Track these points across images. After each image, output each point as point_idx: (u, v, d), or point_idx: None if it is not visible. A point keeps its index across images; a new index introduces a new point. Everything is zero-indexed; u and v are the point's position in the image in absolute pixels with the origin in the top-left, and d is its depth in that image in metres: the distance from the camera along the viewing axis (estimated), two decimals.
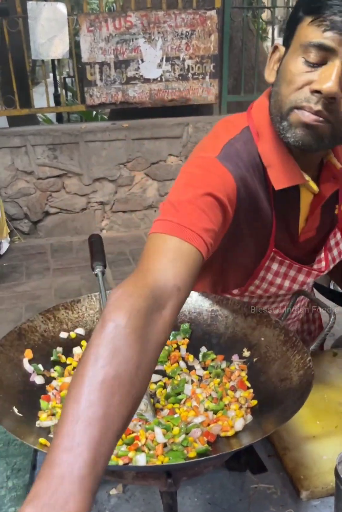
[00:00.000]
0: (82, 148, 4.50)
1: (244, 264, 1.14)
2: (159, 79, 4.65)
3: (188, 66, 4.68)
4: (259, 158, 1.01)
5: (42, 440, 0.83)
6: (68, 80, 8.88)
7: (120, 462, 0.82)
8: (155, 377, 1.12)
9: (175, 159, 4.81)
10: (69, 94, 8.32)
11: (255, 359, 1.11)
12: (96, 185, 4.65)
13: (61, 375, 1.06)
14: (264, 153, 1.00)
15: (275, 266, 1.14)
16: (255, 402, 1.01)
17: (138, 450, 0.85)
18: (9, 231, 4.43)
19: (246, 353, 1.13)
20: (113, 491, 1.02)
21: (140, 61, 4.58)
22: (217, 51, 4.66)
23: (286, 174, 0.99)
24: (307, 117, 0.90)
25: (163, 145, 4.73)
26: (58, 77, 6.59)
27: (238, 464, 1.08)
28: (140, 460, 0.81)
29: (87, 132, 4.52)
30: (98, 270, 1.23)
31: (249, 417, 0.97)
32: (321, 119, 0.90)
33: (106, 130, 4.58)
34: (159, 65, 4.64)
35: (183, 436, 0.90)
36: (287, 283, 1.19)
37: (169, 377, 1.12)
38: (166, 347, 1.17)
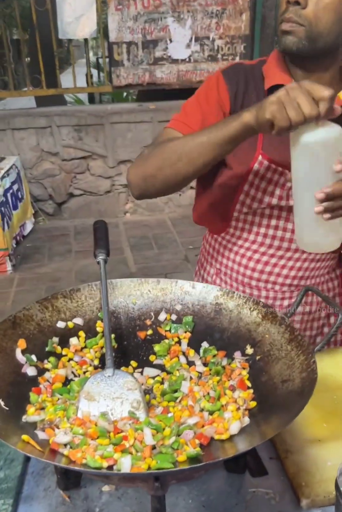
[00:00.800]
0: (108, 129, 4.46)
1: (237, 169, 1.20)
2: (187, 59, 4.54)
3: (218, 46, 4.56)
4: (261, 73, 1.19)
5: (25, 436, 0.81)
6: (101, 61, 8.82)
7: (105, 464, 0.78)
8: (153, 372, 1.09)
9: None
10: (102, 75, 8.29)
11: (257, 357, 1.06)
12: (121, 168, 4.62)
13: (55, 366, 1.03)
14: (266, 70, 1.18)
15: (262, 171, 1.17)
16: (254, 403, 0.96)
17: (125, 451, 0.82)
18: (33, 212, 4.46)
19: (249, 350, 1.08)
20: (105, 488, 0.99)
21: (168, 41, 4.48)
22: (248, 31, 4.51)
23: (276, 78, 1.15)
24: (284, 25, 1.09)
25: None
26: (89, 57, 6.53)
27: (237, 466, 1.03)
28: (125, 463, 0.77)
29: (113, 113, 4.48)
30: (100, 258, 1.19)
31: (246, 420, 0.92)
32: (294, 24, 1.07)
33: (132, 112, 4.52)
34: (188, 45, 4.53)
35: (174, 438, 0.86)
36: (278, 191, 1.17)
37: (168, 372, 1.08)
38: (166, 341, 1.13)
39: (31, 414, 0.89)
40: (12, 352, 0.99)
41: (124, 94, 7.34)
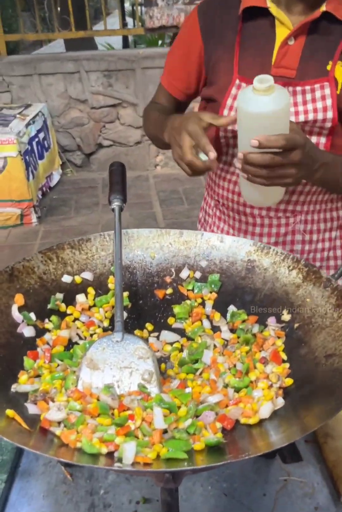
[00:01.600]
0: (139, 75, 4.22)
1: (216, 96, 1.17)
2: None
3: None
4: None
5: (9, 411, 0.67)
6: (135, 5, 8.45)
7: (104, 450, 0.64)
8: (172, 337, 0.93)
9: None
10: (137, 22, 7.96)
11: (296, 325, 0.89)
12: None
13: (58, 327, 0.89)
14: None
15: (234, 91, 1.14)
16: (290, 381, 0.80)
17: (129, 435, 0.67)
18: (61, 163, 4.32)
19: (286, 317, 0.91)
20: None
21: None
22: None
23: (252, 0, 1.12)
24: None
25: None
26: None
27: None
28: (128, 451, 0.63)
29: (144, 58, 4.22)
30: (116, 204, 1.03)
31: (280, 401, 0.76)
32: None
33: (164, 56, 4.21)
34: None
35: (190, 420, 0.71)
36: None
37: (189, 339, 0.92)
38: (188, 302, 0.97)
39: (22, 383, 0.76)
40: (7, 308, 0.86)
41: (159, 42, 7.02)
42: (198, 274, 1.01)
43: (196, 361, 0.85)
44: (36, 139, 3.79)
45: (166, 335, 0.94)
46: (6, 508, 0.81)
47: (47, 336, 0.87)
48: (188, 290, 1.00)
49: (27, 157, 3.57)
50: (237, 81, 1.13)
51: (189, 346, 0.89)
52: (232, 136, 1.15)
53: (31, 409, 0.71)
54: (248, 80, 1.08)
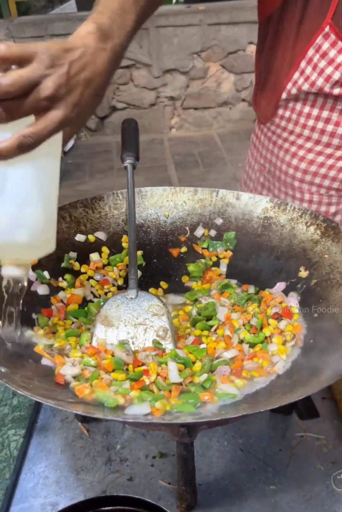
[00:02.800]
0: (153, 34, 4.11)
1: (296, 40, 0.97)
2: None
3: None
4: None
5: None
6: None
7: (122, 401, 0.64)
8: (178, 300, 0.92)
9: (255, 48, 4.28)
10: None
11: (313, 282, 0.87)
12: (167, 78, 4.30)
13: (72, 285, 0.88)
14: None
15: (326, 46, 0.93)
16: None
17: (144, 389, 0.67)
18: None
19: (303, 273, 0.89)
20: None
21: None
22: None
23: None
24: None
25: (243, 31, 4.20)
26: None
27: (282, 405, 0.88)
28: (142, 409, 0.62)
29: (158, 15, 4.10)
30: (128, 162, 1.00)
31: (296, 355, 0.75)
32: None
33: (179, 14, 4.13)
34: None
35: (205, 375, 0.70)
36: (337, 75, 0.94)
37: (195, 301, 0.91)
38: (202, 260, 0.95)
39: (41, 336, 0.76)
40: None
41: (174, 0, 6.80)
42: (213, 232, 0.99)
43: (209, 318, 0.84)
44: None
45: (172, 299, 0.92)
46: (25, 462, 0.83)
47: (61, 294, 0.86)
48: (202, 248, 0.98)
49: None
50: (327, 28, 0.92)
51: (196, 304, 0.88)
52: (295, 96, 1.00)
53: (45, 361, 0.71)
54: (337, 31, 0.90)
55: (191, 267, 0.95)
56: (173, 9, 4.33)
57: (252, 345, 0.77)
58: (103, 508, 0.64)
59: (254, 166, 1.24)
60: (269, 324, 0.79)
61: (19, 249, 0.64)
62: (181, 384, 0.69)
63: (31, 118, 0.58)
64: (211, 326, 0.82)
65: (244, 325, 0.81)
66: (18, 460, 0.81)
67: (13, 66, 0.58)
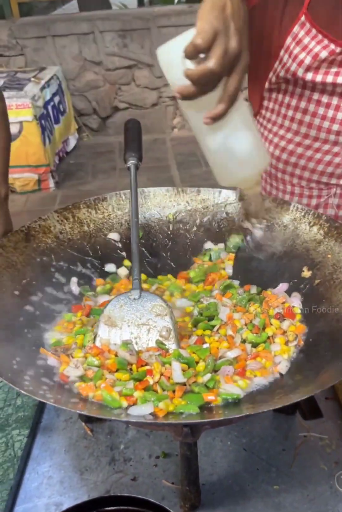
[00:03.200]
0: (155, 34, 4.11)
1: (278, 31, 1.00)
2: None
3: None
4: None
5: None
6: None
7: (125, 404, 0.64)
8: (186, 303, 0.92)
9: None
10: None
11: (316, 282, 0.87)
12: None
13: (110, 291, 0.90)
14: None
15: (301, 34, 0.96)
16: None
17: (148, 389, 0.67)
18: (77, 127, 4.28)
19: (306, 273, 0.89)
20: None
21: None
22: None
23: None
24: None
25: None
26: None
27: (285, 405, 0.88)
28: (146, 409, 0.63)
29: (160, 16, 4.11)
30: (131, 162, 1.00)
31: (299, 355, 0.75)
32: None
33: (181, 14, 4.12)
34: None
35: (209, 375, 0.70)
36: (308, 60, 0.96)
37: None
38: (204, 265, 0.95)
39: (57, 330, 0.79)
40: (24, 267, 0.85)
41: (176, 0, 6.80)
42: (221, 245, 0.99)
43: (211, 318, 0.84)
44: (52, 103, 3.75)
45: (181, 303, 0.92)
46: (29, 462, 0.83)
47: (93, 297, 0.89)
48: (203, 261, 0.98)
49: (42, 122, 3.54)
50: (303, 18, 0.94)
51: (197, 305, 0.88)
52: (276, 87, 1.03)
53: (50, 361, 0.72)
54: (310, 20, 0.92)
55: (192, 273, 0.95)
56: (175, 9, 4.33)
57: (254, 345, 0.78)
58: (107, 508, 0.64)
59: None
60: (271, 324, 0.80)
61: (252, 176, 0.85)
62: (184, 384, 0.69)
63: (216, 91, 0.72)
64: (213, 326, 0.82)
65: (246, 325, 0.81)
66: (22, 460, 0.82)
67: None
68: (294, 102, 1.04)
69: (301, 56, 0.96)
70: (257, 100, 1.12)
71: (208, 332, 0.81)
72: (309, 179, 1.11)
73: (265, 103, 1.10)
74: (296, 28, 0.95)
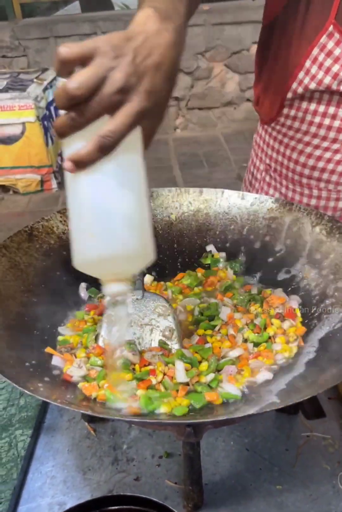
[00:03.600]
0: None
1: (299, 40, 0.98)
2: None
3: None
4: None
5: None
6: None
7: (127, 403, 0.65)
8: (192, 301, 0.92)
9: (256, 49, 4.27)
10: None
11: (319, 281, 0.87)
12: None
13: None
14: None
15: (330, 45, 0.94)
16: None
17: (151, 388, 0.68)
18: None
19: (308, 273, 0.89)
20: None
21: None
22: None
23: None
24: None
25: (247, 31, 4.20)
26: None
27: (288, 405, 0.88)
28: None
29: None
30: None
31: (301, 355, 0.75)
32: None
33: None
34: None
35: (212, 375, 0.70)
36: None
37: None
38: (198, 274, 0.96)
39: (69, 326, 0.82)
40: (27, 268, 0.86)
41: None
42: (223, 255, 0.99)
43: (212, 318, 0.84)
44: (54, 104, 3.76)
45: (186, 301, 0.92)
46: (32, 462, 0.84)
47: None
48: (205, 264, 0.98)
49: (45, 122, 3.55)
50: (331, 28, 0.93)
51: (198, 305, 0.88)
52: (301, 95, 1.01)
53: (55, 361, 0.72)
54: (340, 29, 0.91)
55: (186, 281, 0.94)
56: None
57: (256, 344, 0.78)
58: (110, 508, 0.64)
59: (259, 166, 1.24)
60: (272, 324, 0.80)
61: (116, 263, 0.57)
62: (187, 384, 0.69)
63: (104, 120, 0.54)
64: (214, 326, 0.82)
65: (247, 324, 0.81)
66: (25, 460, 0.82)
67: (76, 68, 0.54)
68: (321, 109, 1.03)
69: (335, 68, 0.95)
70: (274, 109, 1.11)
71: (209, 331, 0.81)
72: (337, 182, 1.09)
73: (286, 111, 1.08)
74: (323, 39, 0.94)
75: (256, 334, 0.78)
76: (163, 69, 0.58)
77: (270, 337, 0.78)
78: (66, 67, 0.53)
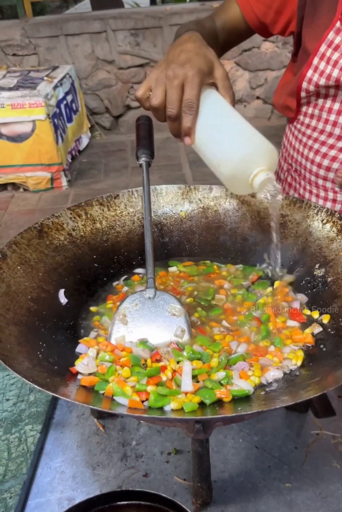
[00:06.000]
0: (167, 33, 4.11)
1: (309, 41, 1.01)
2: None
3: None
4: None
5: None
6: None
7: (137, 398, 0.64)
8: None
9: (270, 45, 4.25)
10: None
11: (329, 279, 0.86)
12: None
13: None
14: None
15: (338, 40, 0.95)
16: (327, 317, 0.80)
17: (161, 384, 0.67)
18: (89, 126, 4.30)
19: (319, 271, 0.88)
20: None
21: None
22: None
23: None
24: None
25: None
26: None
27: (298, 404, 0.88)
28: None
29: (172, 14, 4.11)
30: (143, 160, 1.01)
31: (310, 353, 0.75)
32: None
33: (193, 12, 4.12)
34: None
35: (223, 373, 0.70)
36: None
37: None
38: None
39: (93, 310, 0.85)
40: (37, 264, 0.86)
41: None
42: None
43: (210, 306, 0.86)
44: (64, 102, 3.77)
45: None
46: (42, 457, 0.84)
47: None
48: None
49: (55, 120, 3.57)
50: (338, 24, 0.94)
51: (197, 288, 0.90)
52: (315, 92, 1.02)
53: (80, 348, 0.75)
54: None
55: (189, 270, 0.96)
56: (187, 7, 4.32)
57: (264, 337, 0.78)
58: (119, 503, 0.64)
59: (283, 166, 1.24)
60: (277, 320, 0.80)
61: (255, 159, 0.82)
62: (197, 381, 0.69)
63: None
64: (210, 310, 0.84)
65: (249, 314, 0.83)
66: (35, 455, 0.82)
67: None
68: (337, 106, 1.02)
69: None
70: (292, 107, 1.11)
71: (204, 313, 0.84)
72: None
73: (303, 109, 1.08)
74: (331, 35, 0.94)
75: (257, 327, 0.79)
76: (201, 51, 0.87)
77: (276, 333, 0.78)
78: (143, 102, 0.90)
